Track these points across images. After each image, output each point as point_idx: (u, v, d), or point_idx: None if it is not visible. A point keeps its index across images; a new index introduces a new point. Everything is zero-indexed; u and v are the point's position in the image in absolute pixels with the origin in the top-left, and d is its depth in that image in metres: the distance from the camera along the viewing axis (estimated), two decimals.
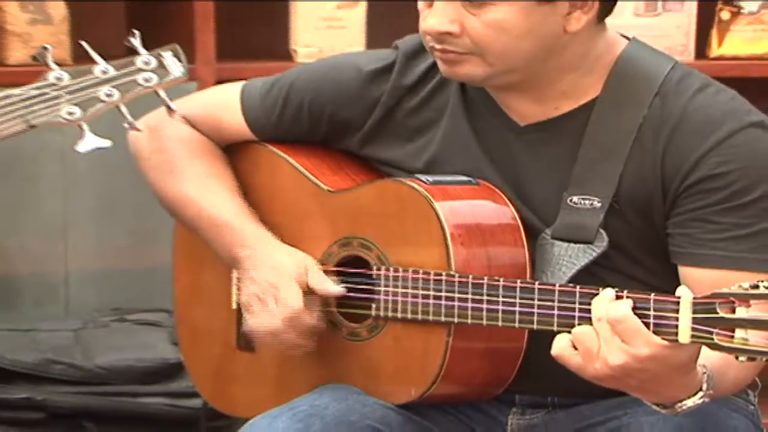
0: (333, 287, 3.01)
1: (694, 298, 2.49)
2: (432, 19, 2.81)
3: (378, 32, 5.12)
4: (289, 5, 5.21)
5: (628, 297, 2.57)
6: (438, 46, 2.84)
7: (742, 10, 5.22)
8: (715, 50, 5.28)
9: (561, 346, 2.59)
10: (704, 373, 2.60)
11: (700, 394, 2.60)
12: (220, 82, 3.24)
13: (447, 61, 2.86)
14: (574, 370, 2.58)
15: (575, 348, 2.57)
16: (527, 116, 2.95)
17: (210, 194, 3.16)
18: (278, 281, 3.01)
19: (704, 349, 2.52)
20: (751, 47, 5.25)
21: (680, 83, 2.90)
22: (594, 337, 2.54)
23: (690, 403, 2.60)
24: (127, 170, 3.25)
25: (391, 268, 2.93)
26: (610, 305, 2.55)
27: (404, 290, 2.90)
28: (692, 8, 5.26)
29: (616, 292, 2.59)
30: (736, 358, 2.47)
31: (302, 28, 5.21)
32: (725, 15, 5.25)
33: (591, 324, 2.57)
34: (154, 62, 2.92)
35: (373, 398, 2.97)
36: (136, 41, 2.88)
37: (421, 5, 2.87)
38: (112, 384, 4.54)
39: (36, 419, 4.46)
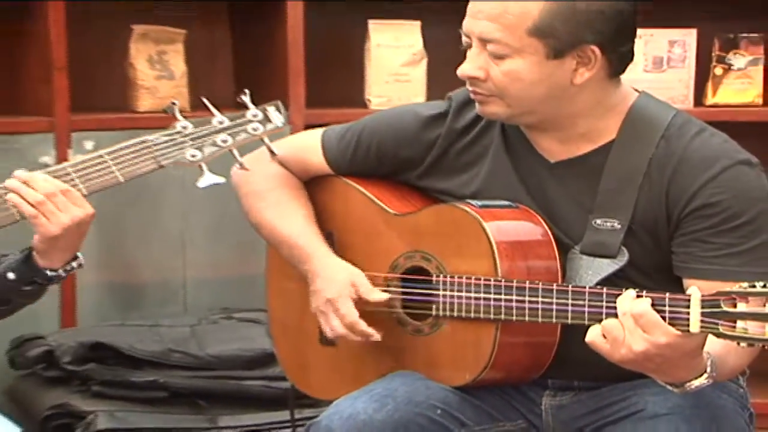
0: (379, 295, 3.07)
1: (702, 296, 2.55)
2: (465, 65, 2.90)
3: (436, 85, 5.13)
4: (365, 63, 5.22)
5: (647, 296, 2.62)
6: (470, 88, 2.93)
7: (732, 67, 5.23)
8: (710, 99, 5.31)
9: (593, 335, 2.63)
10: (709, 359, 2.64)
11: (705, 375, 2.65)
12: (308, 125, 3.27)
13: (477, 101, 2.94)
14: (604, 355, 2.62)
15: (605, 337, 2.60)
16: (555, 154, 2.99)
17: (285, 219, 3.21)
18: (335, 297, 3.07)
19: (709, 339, 2.58)
20: (740, 97, 5.27)
21: (681, 128, 2.94)
22: (620, 328, 2.59)
23: (696, 383, 2.65)
24: (233, 198, 3.27)
25: (449, 276, 2.97)
26: (633, 302, 2.60)
27: (459, 293, 2.94)
28: (692, 66, 5.30)
29: (637, 292, 2.64)
30: (738, 344, 2.52)
31: (375, 82, 5.23)
32: (718, 71, 5.26)
33: (617, 318, 2.61)
34: (260, 115, 2.98)
35: (434, 382, 3.01)
36: (246, 98, 2.96)
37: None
38: (221, 369, 4.55)
39: (160, 398, 4.47)
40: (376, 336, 3.05)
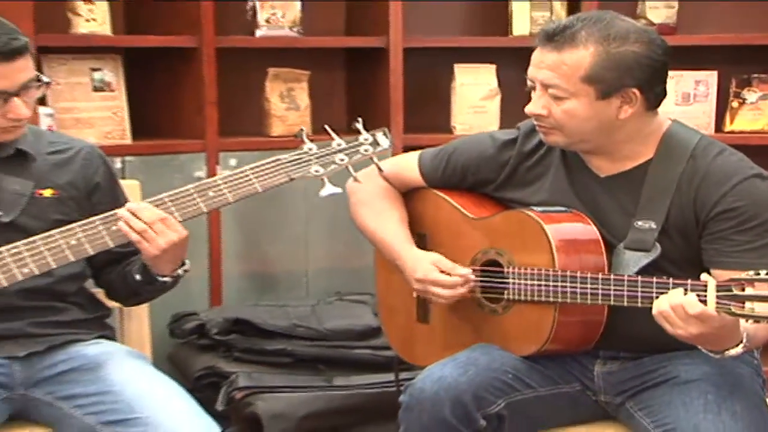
0: (462, 269, 3.05)
1: (717, 283, 2.56)
2: (531, 105, 2.90)
3: (507, 116, 5.11)
4: (451, 98, 5.21)
5: (674, 282, 2.68)
6: (536, 122, 2.92)
7: (745, 101, 5.19)
8: (728, 126, 5.27)
9: (657, 317, 2.67)
10: (744, 332, 2.64)
11: (741, 345, 2.66)
12: (406, 148, 3.27)
13: (543, 132, 2.94)
14: (668, 330, 2.65)
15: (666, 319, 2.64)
16: (604, 171, 2.98)
17: (382, 224, 3.22)
18: (423, 276, 3.08)
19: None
20: (752, 125, 5.24)
21: (706, 149, 2.92)
22: (674, 316, 2.62)
23: (733, 351, 2.68)
24: (345, 205, 3.27)
25: (517, 268, 2.96)
26: (687, 302, 2.60)
27: (526, 282, 2.93)
28: (713, 100, 5.26)
29: (672, 281, 2.68)
30: (746, 321, 2.56)
31: (459, 113, 5.21)
32: (735, 104, 5.23)
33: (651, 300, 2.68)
34: (371, 139, 2.97)
35: (507, 352, 2.99)
36: (359, 124, 2.96)
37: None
38: (335, 340, 4.55)
39: (286, 363, 4.47)
40: (471, 275, 3.05)
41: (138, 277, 3.04)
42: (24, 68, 2.92)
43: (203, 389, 4.27)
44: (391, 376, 4.24)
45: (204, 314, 4.67)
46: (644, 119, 2.94)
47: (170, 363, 4.52)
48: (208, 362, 4.49)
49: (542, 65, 2.88)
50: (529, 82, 2.94)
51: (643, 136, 2.95)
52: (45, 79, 3.02)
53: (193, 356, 4.57)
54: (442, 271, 3.05)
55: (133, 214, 2.88)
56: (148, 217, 2.87)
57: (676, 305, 2.62)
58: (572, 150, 2.99)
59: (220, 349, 4.55)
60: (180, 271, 3.03)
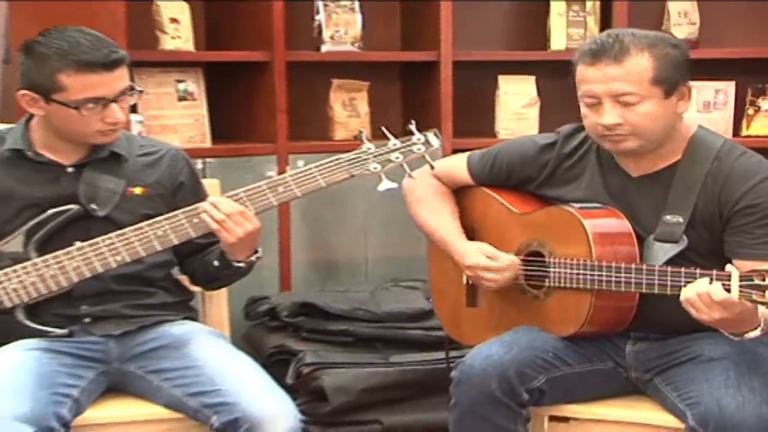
0: (507, 255, 3.04)
1: (740, 273, 2.55)
2: (607, 118, 2.84)
3: (545, 122, 5.10)
4: (495, 106, 5.20)
5: (700, 273, 2.66)
6: (607, 133, 2.87)
7: (760, 108, 5.15)
8: (744, 131, 5.23)
9: (686, 301, 2.66)
10: (762, 317, 2.64)
11: (759, 329, 2.66)
12: (454, 150, 3.27)
13: (614, 141, 2.89)
14: (692, 315, 2.65)
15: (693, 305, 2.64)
16: (636, 171, 2.97)
17: (435, 218, 3.22)
18: (472, 262, 3.06)
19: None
20: (766, 130, 5.21)
21: (729, 151, 2.92)
22: (700, 303, 2.61)
23: (752, 334, 2.68)
24: (400, 199, 3.26)
25: (557, 258, 2.94)
26: (712, 290, 2.60)
27: (565, 270, 2.92)
28: (731, 107, 5.24)
29: (698, 271, 2.67)
30: (766, 308, 2.56)
31: (502, 119, 5.21)
32: (750, 111, 5.19)
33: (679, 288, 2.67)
34: (423, 139, 2.96)
35: (547, 333, 2.98)
36: (413, 126, 2.94)
37: (586, 110, 2.90)
38: (391, 322, 4.54)
39: (348, 342, 4.47)
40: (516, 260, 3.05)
41: (216, 263, 3.06)
42: (121, 78, 2.94)
43: (274, 365, 4.27)
44: (441, 354, 4.24)
45: (275, 298, 4.68)
46: (681, 120, 2.95)
47: (245, 342, 4.53)
48: (278, 341, 4.50)
49: (608, 79, 2.84)
50: (588, 100, 2.89)
51: (680, 135, 2.94)
52: (138, 87, 3.04)
53: (266, 336, 4.57)
54: (489, 258, 3.04)
55: (214, 206, 2.91)
56: (226, 209, 2.90)
57: (702, 293, 2.61)
58: (639, 153, 2.94)
59: (289, 330, 4.55)
60: (253, 258, 3.05)
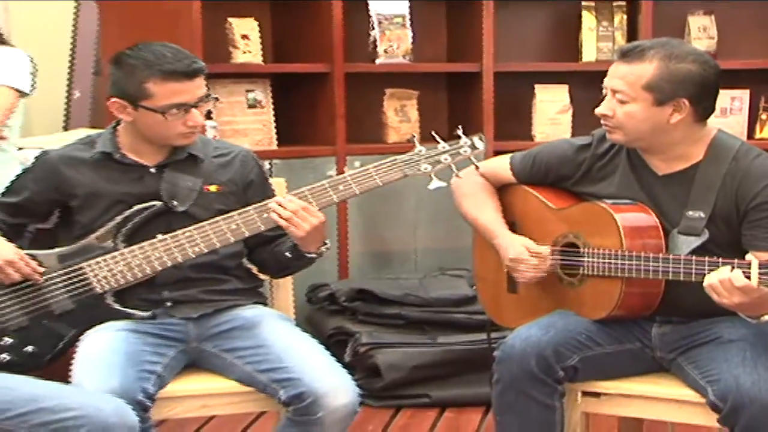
0: (544, 248, 3.02)
1: (760, 262, 2.55)
2: (601, 107, 2.88)
3: (577, 126, 5.10)
4: (532, 112, 5.18)
5: (723, 262, 2.64)
6: (603, 121, 2.89)
7: None
8: (758, 135, 5.21)
9: (709, 287, 2.65)
10: None
11: None
12: (496, 152, 3.26)
13: (608, 131, 2.92)
14: (715, 300, 2.65)
15: (714, 290, 2.63)
16: (662, 170, 2.93)
17: (481, 212, 3.17)
18: (515, 255, 3.03)
19: None
20: None
21: (746, 152, 2.89)
22: (721, 288, 2.60)
23: (767, 317, 2.66)
24: (447, 196, 3.24)
25: (591, 248, 2.92)
26: (733, 276, 2.59)
27: (598, 260, 2.89)
28: (745, 113, 5.24)
29: (721, 260, 2.65)
30: None
31: (538, 124, 5.21)
32: (764, 116, 5.19)
33: (702, 276, 2.66)
34: (469, 142, 2.95)
35: (581, 317, 2.96)
36: (460, 131, 2.93)
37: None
38: (438, 306, 4.54)
39: (400, 324, 4.48)
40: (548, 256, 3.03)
41: (288, 254, 3.06)
42: (200, 86, 2.95)
43: (334, 345, 4.28)
44: (482, 336, 4.22)
45: (334, 285, 4.70)
46: (693, 127, 2.89)
47: (307, 324, 4.55)
48: (337, 323, 4.52)
49: (614, 75, 2.87)
50: (603, 90, 2.91)
51: (693, 141, 2.90)
52: (213, 95, 3.05)
53: (326, 319, 4.59)
54: (531, 253, 3.02)
55: (281, 205, 2.91)
56: (292, 206, 2.90)
57: (724, 279, 2.60)
58: (631, 147, 2.96)
59: (347, 313, 4.57)
60: (323, 249, 3.04)
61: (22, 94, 3.71)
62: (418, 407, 4.35)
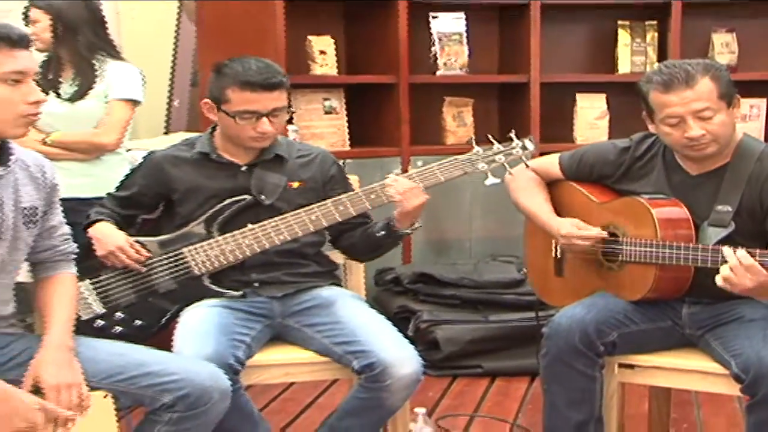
0: (594, 229, 2.97)
1: None
2: (693, 132, 2.75)
3: (614, 131, 5.06)
4: (574, 118, 5.15)
5: (747, 251, 2.59)
6: (693, 144, 2.79)
7: None
8: None
9: (719, 282, 2.61)
10: None
11: None
12: (541, 153, 3.24)
13: (698, 149, 2.81)
14: (728, 289, 2.60)
15: (725, 281, 2.59)
16: (694, 170, 2.89)
17: (533, 203, 3.12)
18: (567, 231, 2.98)
19: None
20: None
21: None
22: (734, 276, 2.57)
23: None
24: (501, 192, 3.22)
25: (630, 238, 2.89)
26: (744, 259, 2.56)
27: (635, 248, 2.85)
28: (763, 119, 5.23)
29: (744, 249, 2.60)
30: None
31: (579, 128, 5.19)
32: None
33: (726, 264, 2.59)
34: (521, 144, 2.93)
35: (619, 298, 2.94)
36: (513, 134, 2.92)
37: (669, 129, 2.81)
38: (490, 288, 4.54)
39: (456, 304, 4.50)
40: (601, 233, 2.97)
41: (381, 233, 3.05)
42: (277, 98, 2.94)
43: (398, 322, 4.23)
44: (530, 314, 4.25)
45: (398, 269, 4.71)
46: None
47: (375, 303, 4.55)
48: (401, 303, 4.53)
49: (686, 101, 2.76)
50: (671, 120, 2.79)
51: (732, 141, 2.87)
52: (292, 108, 3.06)
53: (391, 299, 4.60)
54: (580, 229, 2.98)
55: (396, 183, 2.93)
56: (406, 185, 2.92)
57: (735, 265, 2.58)
58: (717, 154, 2.85)
59: (410, 294, 4.58)
60: (415, 226, 3.04)
61: (137, 103, 3.76)
62: (472, 377, 4.34)
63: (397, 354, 2.84)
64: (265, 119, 2.94)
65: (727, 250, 2.61)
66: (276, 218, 2.96)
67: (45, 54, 3.79)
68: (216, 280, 3.02)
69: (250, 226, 2.97)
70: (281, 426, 3.73)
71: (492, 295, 4.51)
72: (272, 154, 3.06)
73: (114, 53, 3.78)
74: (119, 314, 3.03)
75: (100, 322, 3.02)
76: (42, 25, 3.70)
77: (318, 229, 2.99)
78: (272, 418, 3.65)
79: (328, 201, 2.97)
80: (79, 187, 3.58)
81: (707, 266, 2.70)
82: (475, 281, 4.55)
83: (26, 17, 3.78)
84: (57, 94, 3.71)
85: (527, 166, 2.99)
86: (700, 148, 2.81)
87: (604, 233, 2.97)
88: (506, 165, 2.97)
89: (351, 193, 2.99)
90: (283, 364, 2.97)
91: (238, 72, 2.93)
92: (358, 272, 3.38)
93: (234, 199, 3.01)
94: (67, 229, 2.67)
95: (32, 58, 2.34)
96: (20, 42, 2.30)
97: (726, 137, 2.82)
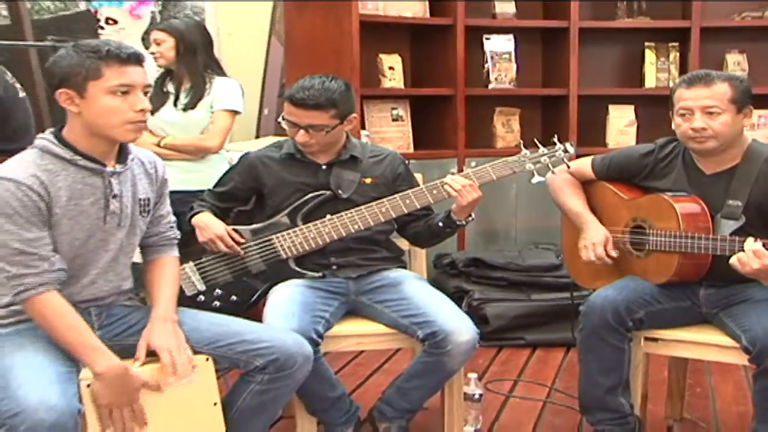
0: (614, 253, 2.94)
1: None
2: (696, 123, 2.75)
3: (641, 137, 5.00)
4: (606, 125, 5.09)
5: (758, 240, 2.56)
6: (695, 135, 2.77)
7: None
8: None
9: (733, 262, 2.58)
10: None
11: None
12: (578, 156, 3.21)
13: (699, 142, 2.79)
14: (738, 270, 2.57)
15: (738, 261, 2.56)
16: (710, 169, 2.85)
17: (571, 201, 3.09)
18: (597, 241, 2.95)
19: None
20: None
21: None
22: (746, 258, 2.54)
23: None
24: (542, 189, 3.19)
25: (655, 230, 2.85)
26: (753, 244, 2.54)
27: (660, 238, 2.82)
28: None
29: (754, 238, 2.57)
30: None
31: (610, 134, 5.12)
32: None
33: (743, 251, 2.56)
34: (563, 147, 2.90)
35: (647, 282, 2.90)
36: (555, 139, 2.90)
37: (680, 120, 2.81)
38: (533, 272, 4.50)
39: (503, 285, 4.46)
40: (608, 260, 2.94)
41: (441, 224, 3.04)
42: (313, 116, 2.92)
43: (453, 300, 4.18)
44: (566, 295, 4.20)
45: (454, 255, 4.69)
46: (743, 133, 2.85)
47: (433, 283, 4.49)
48: (456, 283, 4.51)
49: (699, 97, 2.76)
50: (683, 111, 2.80)
51: (739, 145, 2.83)
52: (354, 115, 3.02)
53: (448, 280, 4.58)
54: (605, 247, 2.94)
55: (454, 181, 2.91)
56: (463, 182, 2.91)
57: (756, 250, 2.55)
58: (715, 152, 2.82)
59: (463, 276, 4.55)
60: (469, 219, 3.02)
61: (237, 113, 3.79)
62: (515, 347, 4.32)
63: (457, 324, 2.83)
64: (301, 131, 2.95)
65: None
66: (352, 210, 2.97)
67: (161, 70, 3.86)
68: (300, 262, 3.03)
69: (329, 216, 2.98)
70: (353, 387, 3.75)
71: (534, 278, 4.48)
72: (348, 155, 3.07)
73: (219, 71, 3.83)
74: (218, 291, 3.06)
75: (201, 298, 3.06)
76: (167, 45, 3.77)
77: (387, 220, 2.99)
78: (345, 380, 3.63)
79: (396, 195, 2.97)
80: (186, 182, 3.63)
81: (725, 254, 2.66)
82: (519, 265, 4.51)
83: (144, 39, 3.83)
84: (174, 104, 3.77)
85: (568, 167, 2.96)
86: (701, 141, 2.78)
87: (610, 259, 2.94)
88: (550, 166, 2.94)
89: (416, 188, 2.98)
90: (355, 335, 2.97)
91: (293, 88, 2.95)
92: (420, 257, 3.38)
93: (315, 193, 3.02)
94: (172, 217, 2.70)
95: (141, 73, 2.35)
96: (129, 59, 2.32)
97: (726, 137, 2.77)
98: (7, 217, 2.24)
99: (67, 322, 2.28)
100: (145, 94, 2.37)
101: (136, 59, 2.34)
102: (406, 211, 2.97)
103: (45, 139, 2.35)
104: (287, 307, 2.85)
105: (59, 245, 2.33)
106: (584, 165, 3.15)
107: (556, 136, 2.99)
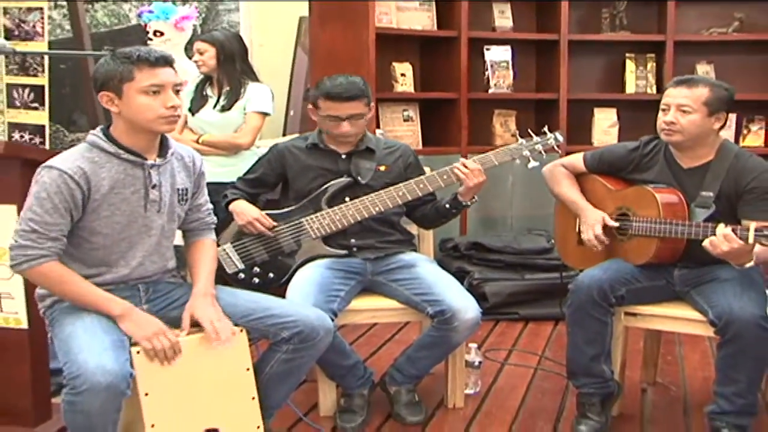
0: (612, 222, 2.90)
1: (755, 227, 2.45)
2: (668, 117, 2.74)
3: (623, 136, 4.94)
4: (592, 126, 5.04)
5: (728, 226, 2.52)
6: (666, 128, 2.75)
7: (751, 130, 4.98)
8: (741, 143, 5.00)
9: (705, 245, 2.55)
10: (755, 253, 2.52)
11: (752, 261, 2.53)
12: (567, 152, 3.16)
13: (668, 134, 2.78)
14: (710, 251, 2.54)
15: (711, 245, 2.53)
16: (687, 164, 2.82)
17: (566, 190, 3.05)
18: (593, 222, 2.92)
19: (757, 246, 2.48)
20: (755, 142, 4.92)
21: (742, 153, 2.81)
22: (718, 243, 2.51)
23: (747, 264, 2.55)
24: (537, 175, 3.16)
25: (638, 217, 2.83)
26: (723, 230, 2.50)
27: (642, 224, 2.80)
28: (733, 129, 5.01)
29: (725, 224, 2.54)
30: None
31: (596, 134, 5.11)
32: (745, 131, 5.00)
33: (714, 236, 2.53)
34: (553, 136, 2.91)
35: (628, 263, 2.87)
36: (545, 129, 2.92)
37: (660, 114, 2.79)
38: (527, 254, 4.48)
39: (500, 266, 4.44)
40: (599, 247, 2.90)
41: (448, 205, 3.02)
42: (353, 108, 2.92)
43: (456, 279, 4.25)
44: (556, 275, 4.18)
45: (457, 239, 4.66)
46: (717, 134, 2.81)
47: (440, 264, 4.47)
48: (459, 265, 4.48)
49: (678, 95, 2.75)
50: (663, 106, 2.78)
51: (711, 144, 2.80)
52: (363, 115, 3.00)
53: (451, 261, 4.55)
54: (603, 227, 2.91)
55: (464, 165, 2.93)
56: (471, 166, 2.92)
57: (714, 237, 2.54)
58: (679, 146, 2.81)
59: (465, 258, 4.53)
60: (474, 200, 3.01)
61: (267, 115, 3.78)
62: (510, 321, 4.30)
63: (463, 303, 2.82)
64: (342, 123, 2.93)
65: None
66: (370, 194, 2.96)
67: (200, 76, 3.87)
68: (326, 242, 3.02)
69: (348, 200, 2.97)
70: (367, 355, 3.73)
71: (527, 259, 4.45)
72: (364, 146, 3.06)
73: (253, 76, 3.82)
74: (256, 269, 3.05)
75: (241, 276, 3.05)
76: (209, 54, 3.76)
77: (404, 202, 2.98)
78: (360, 349, 3.65)
79: (411, 180, 2.97)
80: (221, 175, 3.62)
81: (698, 238, 2.63)
82: (514, 249, 4.49)
83: (187, 49, 3.83)
84: (214, 106, 3.78)
85: (559, 153, 2.95)
86: (669, 133, 2.77)
87: (605, 240, 2.91)
88: (543, 152, 2.96)
89: (429, 174, 2.97)
90: (369, 309, 2.97)
91: (325, 86, 2.93)
92: (428, 241, 3.36)
93: (337, 180, 3.01)
94: (210, 205, 2.69)
95: (170, 73, 2.33)
96: (158, 62, 2.30)
97: (691, 134, 2.75)
98: (39, 200, 2.25)
99: (75, 282, 2.28)
100: (177, 92, 2.35)
101: (165, 61, 2.33)
102: (420, 194, 2.97)
103: (95, 135, 2.36)
104: (305, 291, 2.83)
105: (99, 227, 2.34)
106: (577, 160, 3.12)
107: (546, 126, 2.96)
